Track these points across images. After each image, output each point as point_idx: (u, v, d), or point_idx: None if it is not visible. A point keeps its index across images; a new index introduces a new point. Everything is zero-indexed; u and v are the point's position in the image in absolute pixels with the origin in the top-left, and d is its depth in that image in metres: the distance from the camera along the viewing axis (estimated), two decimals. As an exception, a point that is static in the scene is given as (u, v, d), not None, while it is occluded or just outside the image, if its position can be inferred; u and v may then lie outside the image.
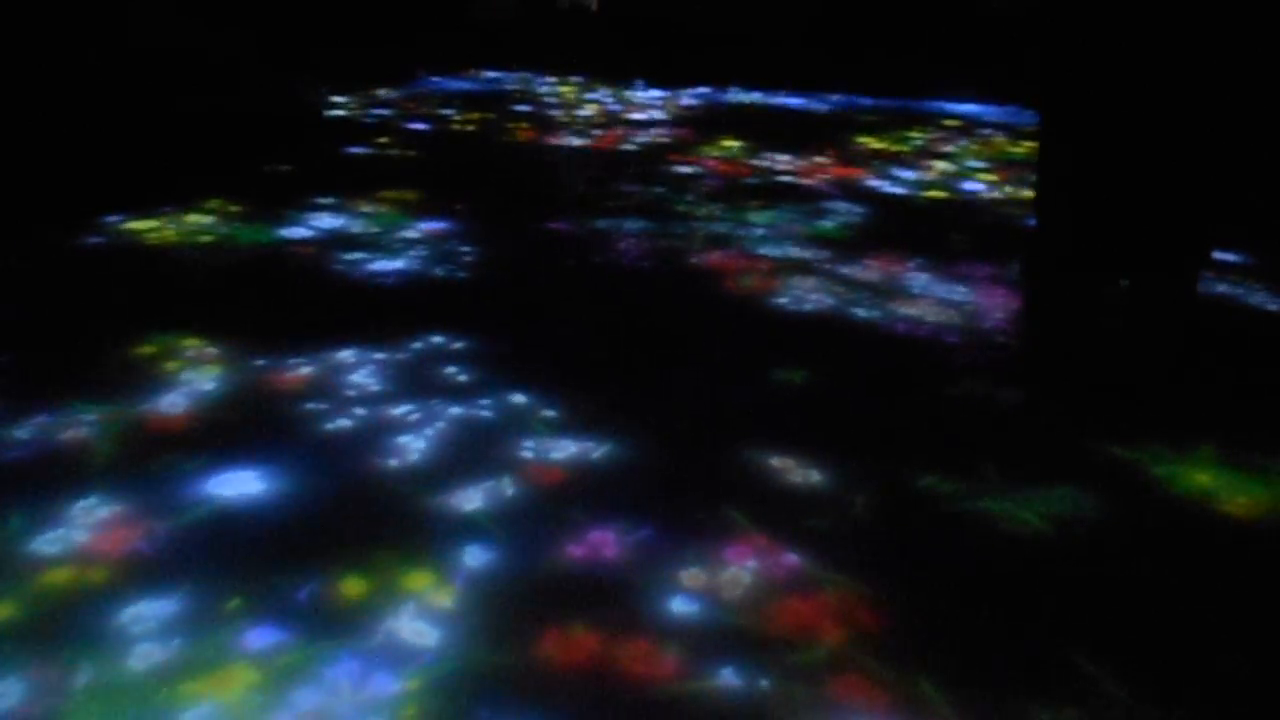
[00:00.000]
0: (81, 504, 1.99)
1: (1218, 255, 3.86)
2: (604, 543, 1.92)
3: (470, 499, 2.06)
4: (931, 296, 3.43)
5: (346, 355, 2.79)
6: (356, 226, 4.14)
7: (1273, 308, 3.40)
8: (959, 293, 3.48)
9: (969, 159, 6.08)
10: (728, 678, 1.56)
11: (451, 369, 2.72)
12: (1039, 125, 2.65)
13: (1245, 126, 2.39)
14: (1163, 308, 2.57)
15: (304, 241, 3.90)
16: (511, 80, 9.52)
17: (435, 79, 9.27)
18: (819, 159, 5.94)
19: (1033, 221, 2.77)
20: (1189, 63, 2.35)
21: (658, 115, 7.61)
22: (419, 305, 3.24)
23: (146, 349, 2.79)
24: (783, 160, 5.85)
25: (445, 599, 1.73)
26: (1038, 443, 2.39)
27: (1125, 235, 2.54)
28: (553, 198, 4.87)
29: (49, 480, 2.08)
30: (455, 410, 2.47)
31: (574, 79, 9.66)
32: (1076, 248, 2.59)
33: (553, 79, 9.67)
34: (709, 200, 4.78)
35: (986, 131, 7.15)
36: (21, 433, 2.28)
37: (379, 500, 2.05)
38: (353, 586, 1.76)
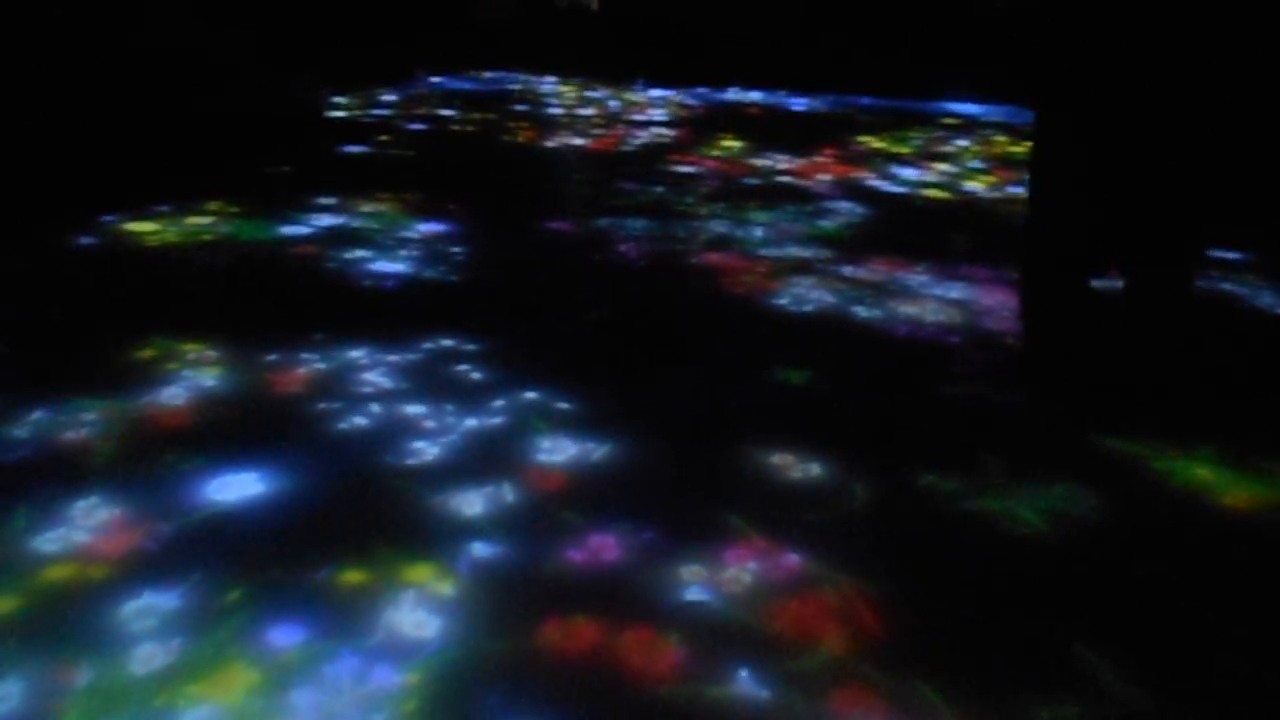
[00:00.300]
0: (82, 503, 1.99)
1: (1223, 254, 3.86)
2: (604, 544, 1.91)
3: (470, 499, 2.06)
4: (932, 296, 3.43)
5: (348, 354, 2.78)
6: (356, 226, 4.13)
7: None
8: (959, 292, 3.48)
9: (969, 159, 6.08)
10: (728, 679, 1.56)
11: (450, 369, 2.72)
12: (1035, 119, 2.64)
13: (1245, 120, 2.39)
14: (1161, 303, 2.56)
15: (304, 241, 3.90)
16: (511, 80, 9.53)
17: (435, 79, 9.27)
18: (819, 159, 5.94)
19: (1028, 218, 2.75)
20: (1188, 53, 2.35)
21: (658, 115, 7.61)
22: (419, 305, 3.24)
23: (147, 349, 2.79)
24: (783, 160, 5.85)
25: (447, 598, 1.73)
26: (1037, 442, 2.39)
27: (1123, 229, 2.54)
28: (554, 198, 4.87)
29: (50, 479, 2.08)
30: (454, 409, 2.47)
31: (574, 79, 9.66)
32: (1074, 243, 2.59)
33: (553, 79, 9.67)
34: (709, 200, 4.78)
35: (986, 131, 7.15)
36: (22, 432, 2.28)
37: (381, 500, 2.05)
38: (354, 581, 1.76)
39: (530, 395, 2.56)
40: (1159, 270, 2.55)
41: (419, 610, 1.69)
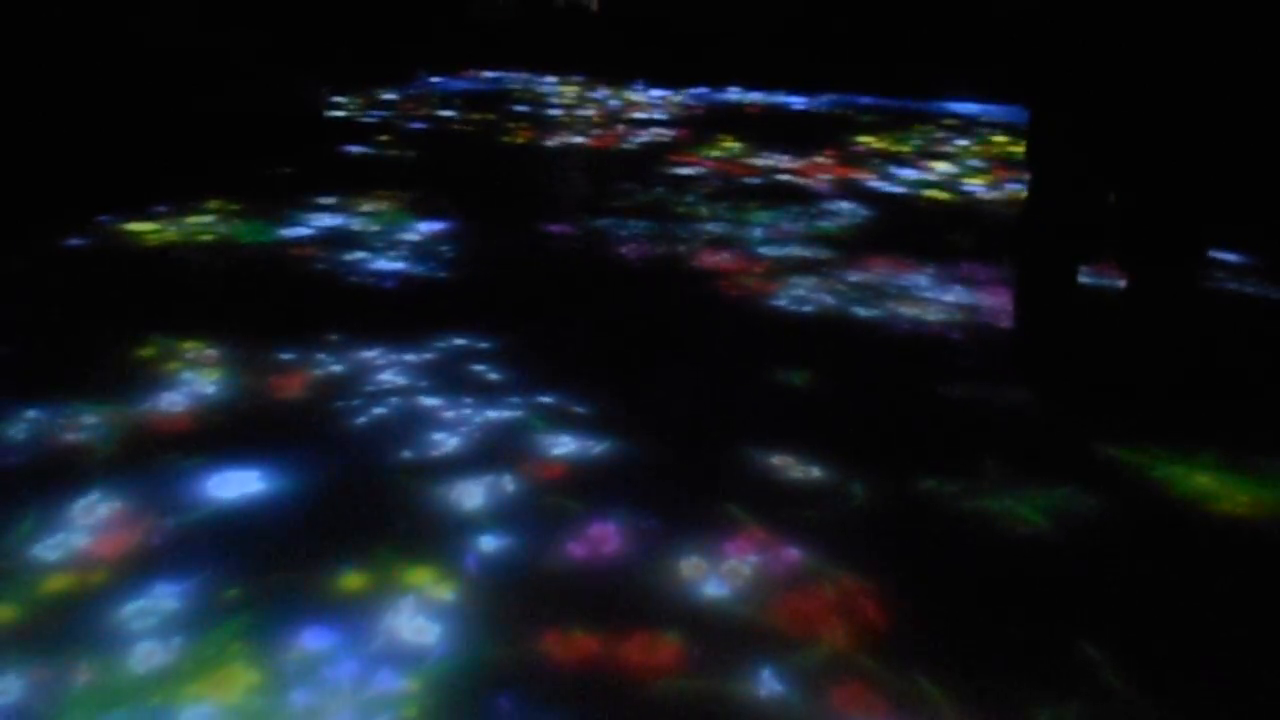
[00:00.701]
0: (85, 503, 1.99)
1: (1225, 256, 3.86)
2: (604, 540, 1.92)
3: (471, 497, 2.06)
4: (932, 296, 3.43)
5: (347, 354, 2.78)
6: (356, 226, 4.14)
7: None
8: (960, 293, 3.48)
9: (969, 159, 6.08)
10: (727, 676, 1.56)
11: (452, 368, 2.72)
12: (1030, 116, 2.65)
13: (1246, 119, 2.39)
14: (1163, 303, 2.56)
15: (304, 241, 3.90)
16: (511, 80, 9.52)
17: (435, 79, 9.27)
18: (819, 159, 5.94)
19: (1023, 213, 2.76)
20: (1186, 50, 2.35)
21: (658, 115, 7.61)
22: (419, 304, 3.24)
23: (147, 349, 2.79)
24: (783, 160, 5.85)
25: (450, 598, 1.73)
26: (1038, 442, 2.39)
27: (1123, 228, 2.54)
28: (554, 198, 4.87)
29: (53, 481, 2.08)
30: (456, 408, 2.47)
31: (574, 79, 9.66)
32: (1064, 236, 2.60)
33: (553, 79, 9.67)
34: (709, 200, 4.78)
35: (986, 131, 7.15)
36: (22, 434, 2.28)
37: (384, 499, 2.05)
38: (358, 582, 1.76)
39: (530, 395, 2.56)
40: (1160, 270, 2.55)
41: (421, 614, 1.69)
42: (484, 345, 2.88)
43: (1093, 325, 2.75)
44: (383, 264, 3.64)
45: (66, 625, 1.63)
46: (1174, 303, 2.57)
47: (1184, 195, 2.46)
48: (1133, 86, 2.41)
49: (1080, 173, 2.55)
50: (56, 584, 1.74)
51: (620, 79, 9.56)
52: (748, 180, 5.28)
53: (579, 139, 6.49)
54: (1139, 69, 2.39)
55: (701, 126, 7.07)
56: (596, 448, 2.29)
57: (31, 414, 2.36)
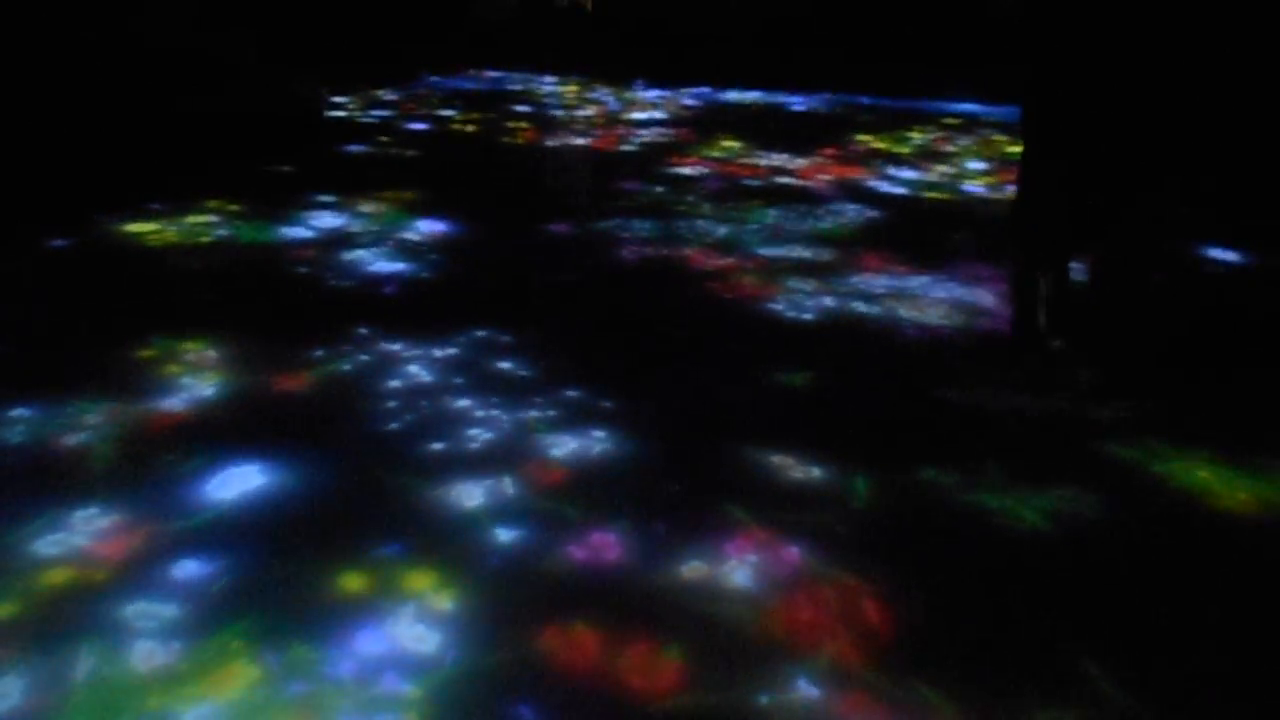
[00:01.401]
0: (86, 503, 1.99)
1: (1224, 256, 3.87)
2: (605, 543, 1.91)
3: (470, 498, 2.06)
4: (931, 296, 3.43)
5: (348, 352, 2.78)
6: (356, 226, 4.13)
7: None
8: (959, 292, 3.48)
9: (969, 159, 6.08)
10: (728, 678, 1.56)
11: (449, 369, 2.72)
12: (1021, 118, 2.73)
13: (1204, 110, 2.48)
14: (1123, 274, 2.63)
15: (304, 241, 3.90)
16: (511, 80, 9.53)
17: (435, 79, 9.27)
18: (819, 159, 5.94)
19: (1014, 206, 2.83)
20: (1160, 50, 2.44)
21: (658, 115, 7.61)
22: (419, 304, 3.24)
23: (147, 350, 2.78)
24: (783, 160, 5.85)
25: (451, 600, 1.73)
26: (1037, 440, 2.39)
27: (1084, 209, 2.62)
28: (555, 198, 4.88)
29: (53, 481, 2.08)
30: (456, 408, 2.47)
31: (574, 79, 9.66)
32: (1055, 225, 2.67)
33: (553, 79, 9.67)
34: (709, 200, 4.78)
35: (986, 131, 7.15)
36: (22, 434, 2.28)
37: (383, 498, 2.05)
38: (354, 583, 1.76)
39: (531, 395, 2.55)
40: (1113, 248, 2.62)
41: (423, 618, 1.69)
42: (484, 345, 2.88)
43: (1083, 316, 2.78)
44: (382, 264, 3.64)
45: (67, 625, 1.63)
46: (1132, 270, 2.64)
47: (1134, 178, 2.54)
48: (1102, 88, 2.49)
49: (1066, 171, 2.60)
50: (57, 583, 1.74)
51: (620, 79, 9.56)
52: (748, 180, 5.28)
53: (579, 139, 6.50)
54: (1111, 75, 2.48)
55: (701, 126, 7.07)
56: (597, 448, 2.29)
57: (31, 413, 2.36)
